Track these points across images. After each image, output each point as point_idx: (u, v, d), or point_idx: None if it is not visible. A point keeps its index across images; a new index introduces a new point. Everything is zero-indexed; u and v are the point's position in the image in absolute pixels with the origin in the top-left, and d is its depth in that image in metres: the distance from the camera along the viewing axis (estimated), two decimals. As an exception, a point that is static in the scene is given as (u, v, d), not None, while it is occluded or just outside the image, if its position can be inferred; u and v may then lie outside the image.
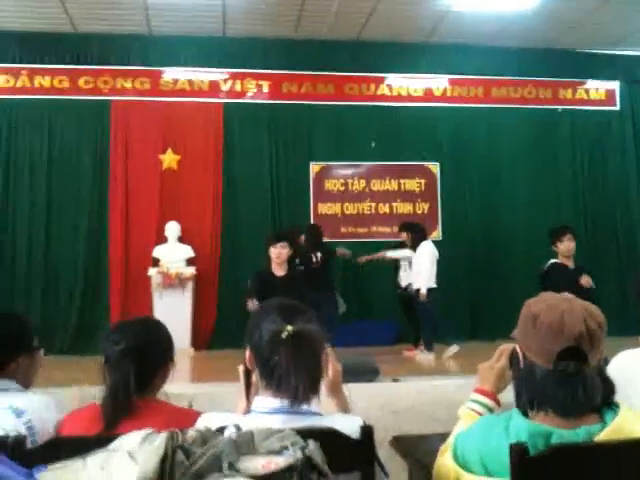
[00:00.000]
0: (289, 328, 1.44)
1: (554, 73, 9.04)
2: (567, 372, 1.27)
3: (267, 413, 1.46)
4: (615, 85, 9.27)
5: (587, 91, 9.26)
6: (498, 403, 1.61)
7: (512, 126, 8.89)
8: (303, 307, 1.55)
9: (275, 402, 1.46)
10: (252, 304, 4.99)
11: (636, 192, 9.07)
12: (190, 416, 1.63)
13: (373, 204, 8.72)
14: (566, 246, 5.82)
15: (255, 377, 1.52)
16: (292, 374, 1.42)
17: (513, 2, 7.44)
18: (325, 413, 1.53)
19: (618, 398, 1.35)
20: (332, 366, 1.70)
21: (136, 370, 1.72)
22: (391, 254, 7.56)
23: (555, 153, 9.01)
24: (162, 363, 1.83)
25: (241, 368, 1.59)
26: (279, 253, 5.00)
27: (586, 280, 5.75)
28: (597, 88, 9.26)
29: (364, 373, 3.41)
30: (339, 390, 1.72)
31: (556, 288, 4.78)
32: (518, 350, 1.40)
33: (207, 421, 1.48)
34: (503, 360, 1.57)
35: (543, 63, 8.90)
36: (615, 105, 9.27)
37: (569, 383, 1.27)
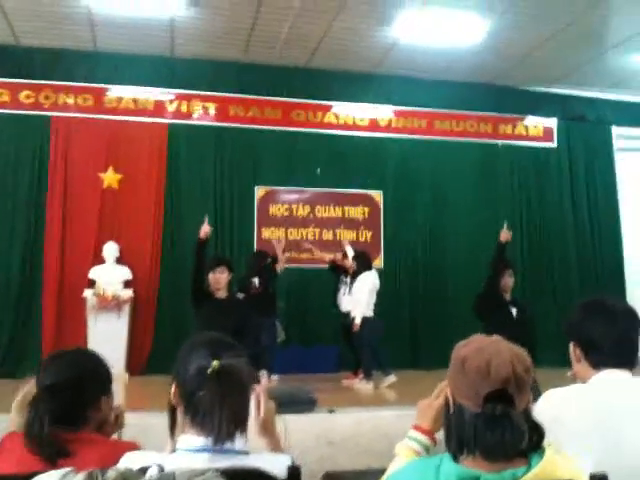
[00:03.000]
0: (215, 363, 1.40)
1: (496, 108, 9.34)
2: (494, 415, 1.27)
3: (192, 451, 1.41)
4: (553, 122, 9.61)
5: (526, 127, 9.57)
6: (435, 441, 1.61)
7: (455, 158, 9.10)
8: (232, 342, 1.52)
9: (199, 440, 1.41)
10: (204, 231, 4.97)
11: (572, 226, 9.38)
12: (125, 450, 1.57)
13: (317, 230, 8.74)
14: (505, 282, 5.92)
15: (180, 414, 1.48)
16: (216, 411, 1.38)
17: (458, 38, 7.66)
18: (253, 451, 1.49)
19: (548, 439, 1.36)
20: (263, 404, 1.66)
21: (64, 405, 1.66)
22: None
23: (495, 186, 9.25)
24: (95, 396, 1.76)
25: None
26: (218, 278, 4.88)
27: (505, 235, 5.98)
28: (536, 124, 9.58)
29: (300, 403, 3.37)
30: (270, 429, 1.68)
31: (489, 318, 4.87)
32: (448, 393, 1.40)
33: (130, 460, 1.43)
34: (442, 398, 1.56)
35: (485, 98, 9.19)
36: (552, 141, 9.61)
37: (496, 426, 1.27)
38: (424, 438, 1.60)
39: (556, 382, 1.90)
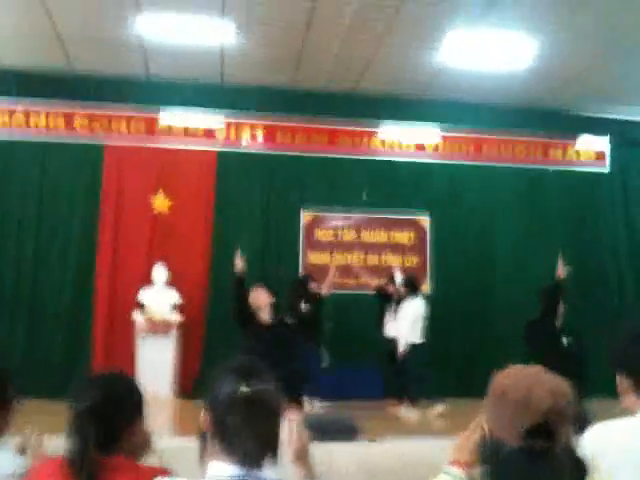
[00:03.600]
0: (244, 389, 1.39)
1: (545, 132, 9.18)
2: (535, 450, 1.21)
3: (221, 479, 1.39)
4: (605, 145, 9.38)
5: (577, 151, 9.36)
6: (471, 476, 1.54)
7: (503, 183, 8.97)
8: (262, 368, 1.50)
9: (229, 468, 1.39)
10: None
11: (626, 253, 9.09)
12: (155, 476, 1.57)
13: (362, 255, 8.70)
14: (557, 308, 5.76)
15: (210, 440, 1.46)
16: (243, 437, 1.37)
17: (506, 62, 7.58)
18: None
19: (591, 475, 1.29)
20: (297, 433, 1.63)
21: (100, 430, 1.66)
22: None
23: (545, 211, 9.05)
24: (129, 421, 1.76)
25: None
26: (256, 296, 4.85)
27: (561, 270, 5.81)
28: (587, 148, 9.37)
29: (341, 432, 3.32)
30: (304, 458, 1.65)
31: (539, 347, 4.73)
32: (485, 426, 1.35)
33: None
34: (479, 432, 1.48)
35: (535, 122, 9.05)
36: (605, 166, 9.37)
37: (537, 462, 1.22)
38: (459, 472, 1.53)
39: (608, 414, 1.80)
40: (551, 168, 9.23)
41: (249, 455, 1.36)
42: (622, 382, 1.78)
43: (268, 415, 1.41)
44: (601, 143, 9.38)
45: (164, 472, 1.60)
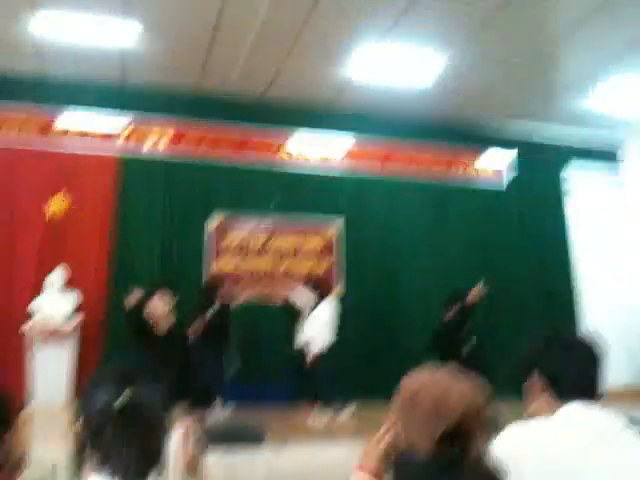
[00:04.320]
0: (121, 399, 1.26)
1: (450, 143, 9.44)
2: (447, 459, 1.14)
3: None
4: (505, 162, 9.76)
5: (477, 169, 9.68)
6: None
7: (409, 195, 9.16)
8: (142, 373, 1.37)
9: None
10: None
11: (525, 265, 9.45)
12: None
13: (272, 261, 8.60)
14: (452, 312, 5.93)
15: (88, 453, 1.31)
16: (123, 450, 1.24)
17: (413, 77, 7.71)
18: None
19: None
20: (191, 442, 1.51)
21: None
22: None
23: (448, 224, 9.28)
24: None
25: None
26: (158, 306, 4.62)
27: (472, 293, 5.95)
28: (486, 166, 9.71)
29: (248, 438, 3.21)
30: (195, 471, 1.53)
31: (442, 348, 4.84)
32: (395, 430, 1.26)
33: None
34: (389, 437, 1.39)
35: (441, 135, 9.31)
36: (502, 183, 9.75)
37: (449, 472, 1.14)
38: (366, 478, 1.44)
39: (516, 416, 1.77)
40: (451, 184, 9.49)
41: (130, 470, 1.23)
42: (536, 384, 1.74)
43: (149, 426, 1.28)
44: (500, 160, 9.74)
45: None
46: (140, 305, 4.80)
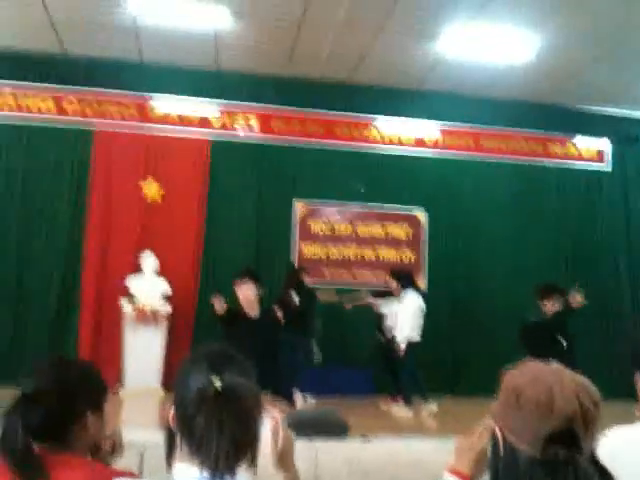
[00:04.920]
0: (217, 383, 1.21)
1: (545, 127, 9.04)
2: (557, 461, 1.04)
3: None
4: (606, 144, 9.24)
5: (577, 148, 9.22)
6: None
7: (500, 178, 8.83)
8: (237, 357, 1.32)
9: (195, 473, 1.21)
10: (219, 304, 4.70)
11: (624, 253, 8.97)
12: (112, 477, 1.40)
13: (358, 249, 8.55)
14: (552, 307, 5.65)
15: (178, 439, 1.28)
16: (213, 438, 1.18)
17: (507, 54, 7.43)
18: None
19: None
20: (282, 433, 1.46)
21: (43, 419, 1.47)
22: (379, 307, 7.34)
23: (543, 208, 8.92)
24: (79, 412, 1.56)
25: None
26: (245, 295, 4.61)
27: (575, 298, 5.66)
28: (588, 146, 9.23)
29: (331, 429, 3.17)
30: (289, 462, 1.48)
31: (536, 344, 4.59)
32: (497, 431, 1.17)
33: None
34: (485, 437, 1.30)
35: (534, 116, 8.90)
36: (605, 163, 9.23)
37: (559, 475, 1.05)
38: None
39: (616, 419, 1.64)
40: (550, 164, 9.08)
41: (220, 460, 1.18)
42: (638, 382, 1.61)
43: (244, 414, 1.23)
44: (601, 141, 9.23)
45: (122, 474, 1.42)
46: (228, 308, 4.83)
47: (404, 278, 7.14)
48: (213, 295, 4.97)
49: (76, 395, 1.54)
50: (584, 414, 1.09)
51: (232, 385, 1.22)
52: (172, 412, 1.29)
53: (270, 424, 1.42)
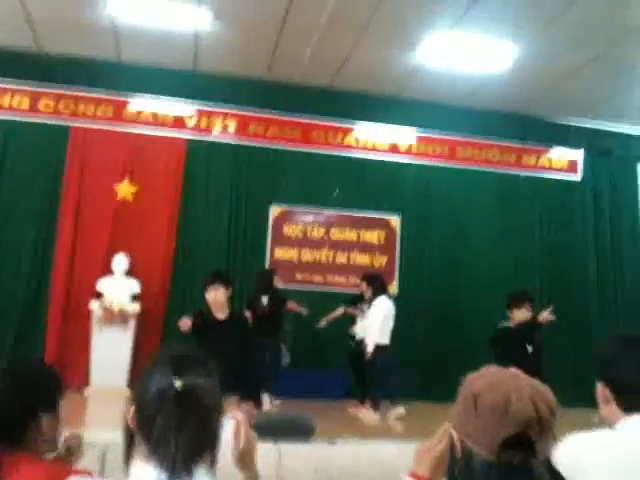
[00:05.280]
0: (177, 383, 1.21)
1: (519, 138, 9.15)
2: (512, 464, 1.06)
3: None
4: (578, 155, 9.39)
5: (550, 159, 9.36)
6: None
7: (475, 186, 8.92)
8: (199, 358, 1.31)
9: (154, 473, 1.20)
10: (185, 324, 4.62)
11: (594, 261, 9.14)
12: (67, 476, 1.38)
13: (331, 253, 8.57)
14: (522, 315, 5.66)
15: (137, 439, 1.27)
16: (171, 439, 1.18)
17: (484, 64, 7.51)
18: None
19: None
20: (244, 433, 1.46)
21: None
22: (361, 313, 7.35)
23: (516, 217, 9.05)
24: (33, 412, 1.55)
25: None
26: (214, 297, 4.57)
27: (544, 317, 5.71)
28: (560, 157, 9.38)
29: (297, 432, 3.17)
30: (250, 462, 1.48)
31: (503, 351, 4.63)
32: (454, 435, 1.18)
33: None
34: (445, 441, 1.30)
35: (509, 127, 9.01)
36: (577, 175, 9.38)
37: (513, 478, 1.06)
38: None
39: (575, 425, 1.67)
40: (523, 174, 9.22)
41: (177, 460, 1.17)
42: (603, 391, 1.63)
43: (203, 414, 1.23)
44: (574, 152, 9.39)
45: (81, 472, 1.41)
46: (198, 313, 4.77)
47: (376, 283, 7.17)
48: (180, 319, 4.87)
49: (29, 395, 1.53)
50: (540, 420, 1.10)
51: (192, 386, 1.22)
52: (132, 412, 1.28)
53: (232, 424, 1.41)
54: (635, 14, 6.34)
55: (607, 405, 1.62)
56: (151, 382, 1.24)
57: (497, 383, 1.15)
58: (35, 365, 1.69)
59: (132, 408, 1.28)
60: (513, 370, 1.21)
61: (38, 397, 1.55)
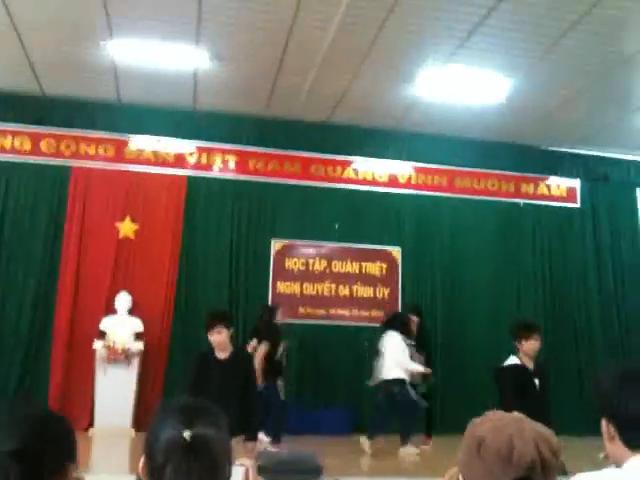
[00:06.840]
0: (187, 434, 1.22)
1: (517, 167, 9.23)
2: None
3: None
4: (576, 182, 9.46)
5: (549, 187, 9.42)
6: None
7: (475, 216, 8.97)
8: (209, 408, 1.32)
9: None
10: None
11: (595, 288, 9.12)
12: None
13: (333, 285, 8.58)
14: (532, 345, 5.38)
15: None
16: None
17: (480, 96, 7.61)
18: None
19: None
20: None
21: (25, 475, 1.45)
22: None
23: (517, 246, 9.07)
24: (58, 466, 1.55)
25: None
26: (217, 340, 4.54)
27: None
28: (559, 184, 9.44)
29: (305, 471, 3.15)
30: None
31: (511, 390, 4.50)
32: (461, 479, 1.20)
33: None
34: None
35: (507, 157, 9.11)
36: (576, 202, 9.44)
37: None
38: None
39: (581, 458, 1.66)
40: (522, 202, 9.26)
41: None
42: (608, 428, 1.58)
43: (213, 464, 1.23)
44: (572, 180, 9.45)
45: None
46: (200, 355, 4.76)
47: (389, 320, 7.12)
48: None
49: (57, 450, 1.53)
50: (543, 463, 1.12)
51: (201, 436, 1.23)
52: (142, 462, 1.29)
53: (241, 472, 1.43)
54: (625, 46, 6.47)
55: (612, 443, 1.57)
56: (161, 432, 1.25)
57: (500, 427, 1.16)
58: (55, 416, 1.68)
59: (142, 458, 1.30)
60: (516, 414, 1.22)
61: (64, 450, 1.55)
